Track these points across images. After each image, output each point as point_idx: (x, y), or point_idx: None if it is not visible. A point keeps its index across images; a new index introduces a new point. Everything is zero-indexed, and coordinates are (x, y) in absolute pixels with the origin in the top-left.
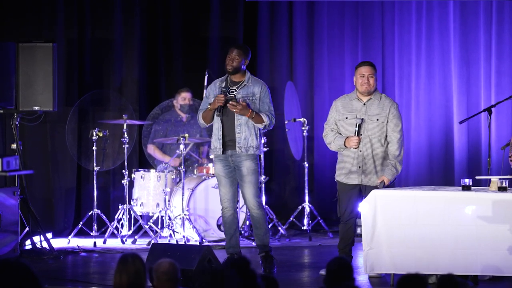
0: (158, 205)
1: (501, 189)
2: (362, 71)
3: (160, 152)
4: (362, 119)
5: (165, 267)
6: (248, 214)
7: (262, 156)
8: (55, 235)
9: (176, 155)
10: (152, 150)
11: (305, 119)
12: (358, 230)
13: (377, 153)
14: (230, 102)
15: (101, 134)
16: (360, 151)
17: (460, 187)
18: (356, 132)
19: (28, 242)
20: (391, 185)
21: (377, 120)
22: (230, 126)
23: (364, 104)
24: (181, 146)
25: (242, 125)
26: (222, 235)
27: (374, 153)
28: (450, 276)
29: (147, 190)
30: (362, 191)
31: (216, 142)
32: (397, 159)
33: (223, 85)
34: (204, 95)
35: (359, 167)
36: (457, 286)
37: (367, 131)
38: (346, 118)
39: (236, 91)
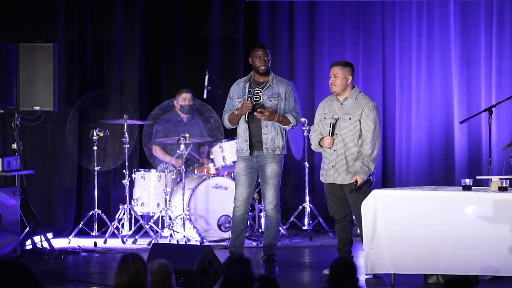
0: (158, 205)
1: (502, 189)
2: (330, 73)
3: (162, 152)
4: (337, 119)
5: (155, 268)
6: (249, 214)
7: None
8: (55, 235)
9: (177, 155)
10: (155, 150)
11: (305, 119)
12: (358, 230)
13: (350, 152)
14: (258, 110)
15: (101, 134)
16: (334, 150)
17: (461, 187)
18: (330, 132)
19: (28, 242)
20: (367, 182)
21: (350, 119)
22: (256, 127)
23: (341, 103)
24: (182, 146)
25: (268, 126)
26: (222, 235)
27: (346, 152)
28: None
29: (148, 190)
30: (344, 189)
31: (243, 144)
32: (369, 158)
33: (247, 86)
34: (228, 96)
35: (332, 166)
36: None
37: (341, 130)
38: (325, 118)
39: (261, 91)
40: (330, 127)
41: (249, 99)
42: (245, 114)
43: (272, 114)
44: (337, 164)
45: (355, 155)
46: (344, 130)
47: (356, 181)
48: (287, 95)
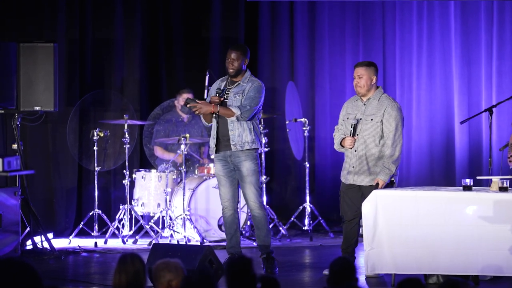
0: (159, 205)
1: (502, 189)
2: (354, 74)
3: (163, 150)
4: (359, 119)
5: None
6: (249, 214)
7: (263, 155)
8: (56, 235)
9: (177, 155)
10: (156, 150)
11: (306, 119)
12: (360, 231)
13: (371, 153)
14: (188, 105)
15: (102, 134)
16: (355, 151)
17: (461, 187)
18: (352, 133)
19: (29, 242)
20: (390, 184)
21: (372, 120)
22: (224, 124)
23: (364, 104)
24: (182, 146)
25: (234, 122)
26: (223, 235)
27: (368, 153)
28: (452, 281)
29: (148, 190)
30: (362, 192)
31: (211, 141)
32: (390, 160)
33: (222, 85)
34: (206, 94)
35: (353, 167)
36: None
37: (362, 131)
38: (348, 118)
39: (231, 89)
40: (351, 127)
41: (217, 94)
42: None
43: (206, 105)
44: (357, 165)
45: (376, 156)
46: (365, 131)
47: (378, 184)
48: (249, 90)
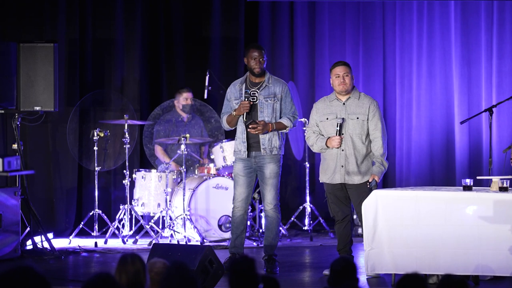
0: (159, 205)
1: (502, 189)
2: (337, 71)
3: (162, 152)
4: (343, 118)
5: (159, 268)
6: (250, 214)
7: None
8: (56, 235)
9: (177, 155)
10: (156, 150)
11: (306, 119)
12: (359, 231)
13: (358, 151)
14: (250, 126)
15: (102, 134)
16: (343, 150)
17: (461, 187)
18: (338, 132)
19: (29, 242)
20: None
21: (357, 118)
22: None
23: (344, 103)
24: (182, 147)
25: None
26: (223, 235)
27: (356, 151)
28: (449, 277)
29: (148, 190)
30: (346, 189)
31: (241, 145)
32: (383, 157)
33: (243, 87)
34: (225, 98)
35: (342, 166)
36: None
37: (348, 130)
38: (327, 119)
39: (257, 92)
40: (337, 127)
41: (246, 99)
42: (243, 114)
43: (265, 126)
44: (347, 164)
45: (364, 154)
46: (351, 129)
47: (375, 180)
48: (284, 95)
